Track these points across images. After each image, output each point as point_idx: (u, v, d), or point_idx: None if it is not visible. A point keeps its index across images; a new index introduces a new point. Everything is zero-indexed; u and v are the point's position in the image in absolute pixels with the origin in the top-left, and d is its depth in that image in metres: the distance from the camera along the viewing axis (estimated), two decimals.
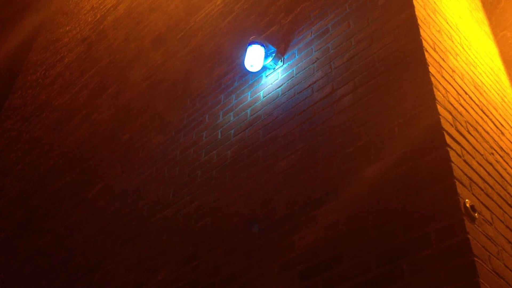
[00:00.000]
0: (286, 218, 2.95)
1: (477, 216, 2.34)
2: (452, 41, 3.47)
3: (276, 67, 3.86)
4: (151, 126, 4.74)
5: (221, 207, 3.41)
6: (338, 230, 2.66)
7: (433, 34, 3.22)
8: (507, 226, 2.59)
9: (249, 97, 3.89)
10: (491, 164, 2.85)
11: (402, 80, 2.93)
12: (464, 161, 2.57)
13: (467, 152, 2.65)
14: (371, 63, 3.16)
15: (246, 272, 2.95)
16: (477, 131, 2.94)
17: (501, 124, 3.37)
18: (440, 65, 3.02)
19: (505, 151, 3.16)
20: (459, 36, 3.65)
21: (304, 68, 3.62)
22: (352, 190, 2.74)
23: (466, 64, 3.45)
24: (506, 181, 2.91)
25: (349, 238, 2.59)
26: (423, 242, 2.30)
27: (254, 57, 3.84)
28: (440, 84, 2.87)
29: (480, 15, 4.73)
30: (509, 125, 3.53)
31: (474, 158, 2.68)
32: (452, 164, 2.45)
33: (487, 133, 3.06)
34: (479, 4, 4.96)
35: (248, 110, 3.79)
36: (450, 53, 3.29)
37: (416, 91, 2.82)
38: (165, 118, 4.65)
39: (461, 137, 2.69)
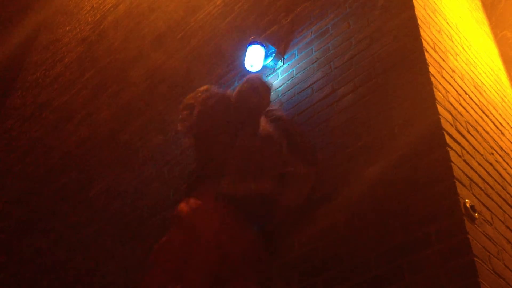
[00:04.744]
0: (286, 218, 2.94)
1: (477, 216, 2.34)
2: (452, 41, 3.47)
3: (276, 67, 3.86)
4: (151, 126, 4.73)
5: None
6: (338, 230, 2.66)
7: (433, 34, 3.22)
8: (507, 226, 2.59)
9: None
10: (491, 164, 2.85)
11: (402, 80, 2.92)
12: (464, 161, 2.57)
13: (467, 152, 2.65)
14: (371, 63, 3.16)
15: None
16: (477, 131, 2.94)
17: (501, 124, 3.37)
18: (440, 65, 3.02)
19: (505, 151, 3.16)
20: (459, 36, 3.65)
21: (304, 68, 3.62)
22: (352, 190, 2.73)
23: (466, 64, 3.45)
24: (506, 181, 2.91)
25: (349, 238, 2.59)
26: (423, 242, 2.30)
27: (254, 57, 3.84)
28: (440, 84, 2.87)
29: (480, 15, 4.73)
30: (509, 125, 3.53)
31: (474, 158, 2.68)
32: (452, 164, 2.45)
33: (487, 133, 3.06)
34: (479, 4, 4.96)
35: None
36: (450, 53, 3.29)
37: (416, 91, 2.82)
38: (165, 118, 4.64)
39: (461, 137, 2.69)
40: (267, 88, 3.30)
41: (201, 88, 3.32)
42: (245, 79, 3.32)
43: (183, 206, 2.85)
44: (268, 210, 2.81)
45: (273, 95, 3.69)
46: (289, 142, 3.02)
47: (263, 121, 3.08)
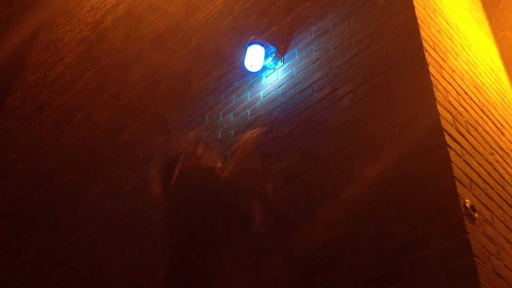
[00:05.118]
0: (286, 218, 2.94)
1: (477, 216, 2.34)
2: (452, 41, 3.47)
3: (276, 67, 3.86)
4: (151, 126, 4.74)
5: None
6: (338, 230, 2.66)
7: (433, 34, 3.22)
8: (507, 226, 2.59)
9: (249, 97, 3.89)
10: (491, 164, 2.85)
11: (402, 80, 2.92)
12: (464, 161, 2.57)
13: (467, 152, 2.65)
14: (371, 63, 3.16)
15: None
16: (477, 131, 2.94)
17: (501, 124, 3.37)
18: (440, 65, 3.02)
19: (505, 151, 3.16)
20: (459, 36, 3.65)
21: (304, 68, 3.62)
22: (352, 190, 2.73)
23: (466, 64, 3.45)
24: (506, 181, 2.91)
25: (349, 238, 2.59)
26: (423, 242, 2.30)
27: (254, 57, 3.84)
28: (440, 84, 2.87)
29: (480, 15, 4.73)
30: (509, 125, 3.53)
31: (474, 158, 2.68)
32: (452, 164, 2.45)
33: (487, 133, 3.06)
34: (479, 4, 4.96)
35: (248, 110, 3.79)
36: (450, 53, 3.29)
37: (416, 91, 2.82)
38: (165, 118, 4.64)
39: (461, 137, 2.69)
40: (260, 169, 2.76)
41: (188, 142, 2.68)
42: (238, 155, 2.68)
43: None
44: None
45: (273, 95, 3.69)
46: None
47: (254, 206, 2.58)
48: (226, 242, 2.39)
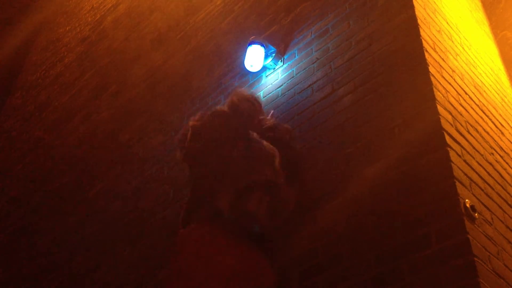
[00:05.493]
0: (286, 218, 2.94)
1: (477, 216, 2.34)
2: (452, 41, 3.47)
3: (276, 67, 3.86)
4: (151, 126, 4.73)
5: None
6: (338, 230, 2.66)
7: (433, 34, 3.22)
8: (507, 226, 2.59)
9: None
10: (491, 164, 2.85)
11: (402, 80, 2.92)
12: (464, 161, 2.57)
13: (467, 152, 2.65)
14: (371, 63, 3.16)
15: None
16: (477, 131, 2.94)
17: (501, 124, 3.37)
18: (440, 65, 3.02)
19: (505, 151, 3.16)
20: (459, 36, 3.65)
21: (304, 68, 3.62)
22: (352, 190, 2.73)
23: (466, 64, 3.45)
24: (506, 181, 2.91)
25: (349, 238, 2.59)
26: (423, 242, 2.30)
27: (254, 57, 3.84)
28: (440, 84, 2.87)
29: (480, 15, 4.73)
30: (509, 125, 3.53)
31: (474, 158, 2.68)
32: (452, 164, 2.45)
33: (487, 133, 3.06)
34: (479, 4, 4.96)
35: None
36: (450, 53, 3.29)
37: (416, 91, 2.82)
38: (165, 118, 4.64)
39: (461, 137, 2.69)
40: (255, 97, 3.28)
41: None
42: (232, 92, 3.27)
43: (181, 238, 2.82)
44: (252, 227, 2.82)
45: (273, 95, 3.69)
46: (281, 156, 2.98)
47: (256, 134, 3.03)
48: (232, 153, 2.87)
